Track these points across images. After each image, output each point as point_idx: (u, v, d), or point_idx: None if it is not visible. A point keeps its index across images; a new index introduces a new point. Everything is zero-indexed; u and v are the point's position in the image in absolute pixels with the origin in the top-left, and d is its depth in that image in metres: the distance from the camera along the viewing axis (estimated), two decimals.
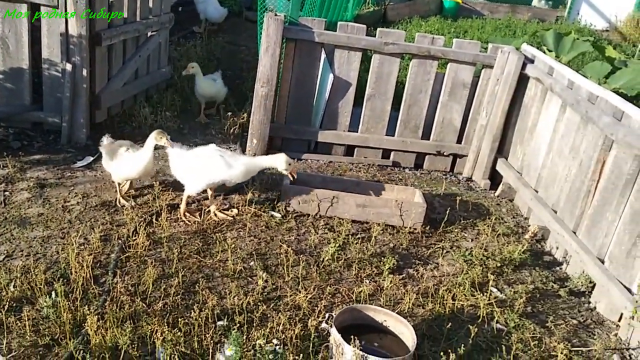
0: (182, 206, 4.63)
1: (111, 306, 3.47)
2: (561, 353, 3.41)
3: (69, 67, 5.34)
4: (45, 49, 5.41)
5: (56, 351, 3.20)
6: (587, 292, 4.43)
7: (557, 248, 4.90)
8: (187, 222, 4.57)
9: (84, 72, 5.41)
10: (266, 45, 5.48)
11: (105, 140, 4.82)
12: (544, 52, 6.18)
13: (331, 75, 5.72)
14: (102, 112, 5.96)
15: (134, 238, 4.20)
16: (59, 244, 4.09)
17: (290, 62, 5.76)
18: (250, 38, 9.94)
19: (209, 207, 4.73)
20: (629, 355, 3.86)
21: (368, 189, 5.15)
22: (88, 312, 3.34)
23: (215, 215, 4.65)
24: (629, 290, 4.02)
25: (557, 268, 4.76)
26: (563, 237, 4.74)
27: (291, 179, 4.77)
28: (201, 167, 4.53)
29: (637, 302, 3.85)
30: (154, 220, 4.50)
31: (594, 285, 4.37)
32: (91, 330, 3.18)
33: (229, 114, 6.55)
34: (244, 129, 6.21)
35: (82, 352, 3.09)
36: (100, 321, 3.31)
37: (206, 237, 4.40)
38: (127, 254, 4.05)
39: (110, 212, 4.57)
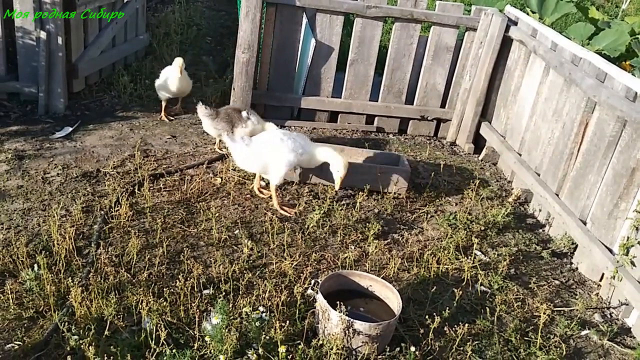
0: (275, 201, 4.45)
1: (95, 277, 3.45)
2: (544, 313, 3.46)
3: (43, 35, 5.19)
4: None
5: (41, 323, 3.18)
6: (569, 254, 4.49)
7: (540, 210, 4.94)
8: (288, 213, 4.43)
9: (59, 40, 5.27)
10: (246, 10, 5.36)
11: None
12: (528, 14, 6.12)
13: (313, 41, 5.63)
14: (79, 82, 5.84)
15: (116, 209, 4.16)
16: (40, 216, 4.04)
17: (271, 27, 5.66)
18: (230, 3, 9.75)
19: (192, 176, 4.68)
20: (610, 314, 3.94)
21: (352, 155, 5.13)
22: (72, 284, 3.30)
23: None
24: (610, 251, 4.08)
25: (540, 230, 4.80)
26: (546, 200, 4.78)
27: (336, 188, 4.51)
28: (278, 154, 4.31)
29: (618, 262, 3.91)
30: (136, 190, 4.45)
31: (576, 246, 4.43)
32: (76, 302, 3.16)
33: (210, 81, 6.45)
34: (226, 96, 6.12)
35: (67, 324, 3.08)
36: (85, 293, 3.29)
37: (190, 207, 4.37)
38: (110, 225, 4.01)
39: (91, 183, 4.51)
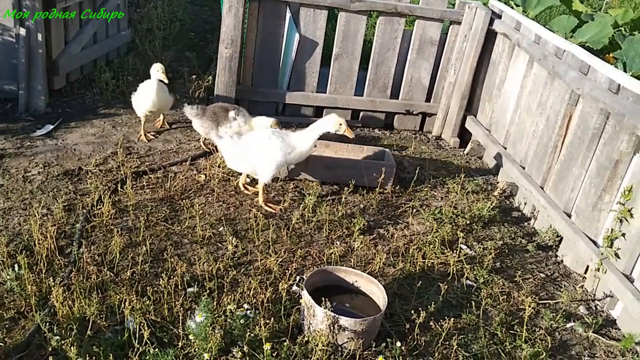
0: (261, 198, 4.41)
1: (77, 277, 3.40)
2: (529, 306, 3.46)
3: (22, 31, 5.11)
4: None
5: (22, 324, 3.13)
6: (554, 246, 4.50)
7: (525, 204, 4.95)
8: (273, 210, 4.40)
9: (39, 37, 5.19)
10: (229, 5, 5.31)
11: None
12: (512, 7, 6.12)
13: (297, 35, 5.59)
14: (60, 78, 5.76)
15: (99, 207, 4.10)
16: (20, 216, 3.97)
17: (254, 22, 5.61)
18: None
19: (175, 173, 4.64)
20: (595, 306, 3.96)
21: (337, 151, 5.11)
22: (54, 283, 3.25)
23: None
24: (595, 243, 4.09)
25: (525, 223, 4.82)
26: (531, 193, 4.78)
27: (351, 135, 4.39)
28: (267, 152, 4.27)
29: (602, 254, 3.92)
30: (119, 188, 4.39)
31: (561, 239, 4.44)
32: (57, 301, 3.12)
33: (194, 77, 6.39)
34: (210, 92, 6.07)
35: (49, 324, 3.03)
36: (67, 292, 3.25)
37: (173, 204, 4.32)
38: (92, 224, 3.96)
39: (73, 182, 4.45)
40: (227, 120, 4.84)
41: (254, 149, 4.30)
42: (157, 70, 4.94)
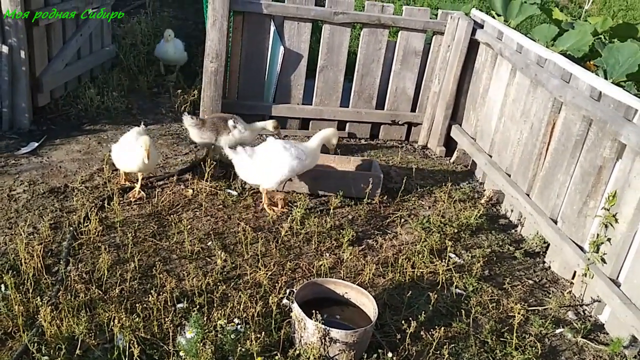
0: (265, 200, 4.55)
1: (65, 295, 3.37)
2: (518, 313, 3.48)
3: (5, 49, 5.08)
4: None
5: (10, 345, 3.10)
6: (541, 253, 4.54)
7: (512, 211, 4.99)
8: (275, 213, 4.52)
9: (22, 54, 5.16)
10: (213, 19, 5.32)
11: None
12: (493, 17, 6.20)
13: (282, 48, 5.62)
14: (44, 96, 5.72)
15: (85, 224, 4.07)
16: (6, 235, 3.93)
17: (239, 35, 5.63)
18: (197, 12, 9.67)
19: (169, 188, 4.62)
20: (583, 312, 3.99)
21: (324, 162, 5.12)
22: (41, 303, 3.23)
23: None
24: (581, 248, 4.13)
25: (513, 230, 4.85)
26: (517, 200, 4.82)
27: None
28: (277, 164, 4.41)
29: (589, 259, 3.96)
30: (106, 204, 4.37)
31: (548, 245, 4.48)
32: (45, 321, 3.09)
33: (179, 91, 6.38)
34: (195, 107, 6.06)
35: (37, 344, 2.99)
36: (55, 311, 3.22)
37: (161, 219, 4.30)
38: (79, 241, 3.93)
39: (59, 199, 4.41)
40: (226, 130, 4.89)
41: (269, 158, 4.40)
42: (145, 146, 4.28)
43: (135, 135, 4.48)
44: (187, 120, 4.87)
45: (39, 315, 3.15)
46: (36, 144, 5.14)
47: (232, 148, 4.52)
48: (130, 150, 4.38)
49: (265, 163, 4.41)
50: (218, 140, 4.87)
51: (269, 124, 5.06)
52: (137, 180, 4.58)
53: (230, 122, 4.89)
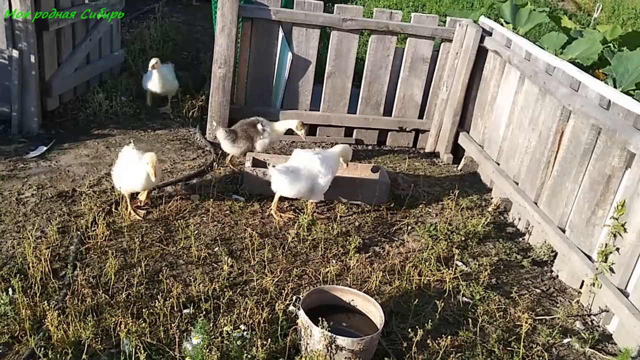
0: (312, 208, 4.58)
1: (72, 300, 3.37)
2: (526, 322, 3.46)
3: (15, 53, 5.12)
4: None
5: (17, 349, 3.10)
6: (549, 261, 4.51)
7: (520, 219, 4.97)
8: (283, 219, 4.56)
9: (32, 59, 5.20)
10: (222, 25, 5.34)
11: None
12: (502, 25, 6.19)
13: (290, 54, 5.63)
14: (53, 100, 5.76)
15: (93, 228, 4.09)
16: (14, 239, 3.95)
17: (247, 41, 5.65)
18: (206, 18, 9.71)
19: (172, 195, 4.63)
20: (591, 322, 3.96)
21: None
22: (48, 307, 3.23)
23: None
24: (590, 258, 4.10)
25: (520, 239, 4.83)
26: (525, 208, 4.80)
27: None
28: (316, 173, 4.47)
29: (597, 269, 3.93)
30: (113, 209, 4.38)
31: (556, 254, 4.45)
32: (52, 325, 3.09)
33: (187, 96, 6.40)
34: (203, 112, 6.08)
35: (43, 348, 3.00)
36: (62, 316, 3.22)
37: (168, 225, 4.31)
38: (86, 246, 3.94)
39: (67, 203, 4.43)
40: (258, 134, 5.00)
41: (308, 174, 4.42)
42: (151, 163, 4.10)
43: (136, 154, 4.28)
44: (221, 134, 4.97)
45: (45, 320, 3.16)
46: (45, 148, 5.17)
47: (275, 166, 4.44)
48: (133, 170, 4.19)
49: (309, 179, 4.43)
50: (255, 147, 5.01)
51: (293, 124, 5.12)
52: (141, 195, 4.52)
53: (259, 126, 5.01)
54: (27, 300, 3.30)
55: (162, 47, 7.75)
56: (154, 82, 6.03)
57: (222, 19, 5.32)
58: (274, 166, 4.31)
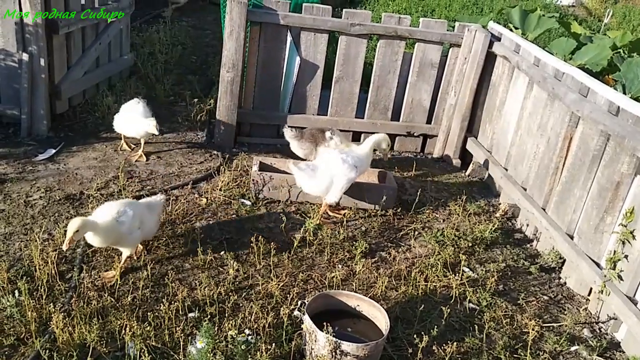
0: (328, 212, 4.67)
1: (78, 302, 3.39)
2: (533, 329, 3.43)
3: (25, 57, 5.16)
4: (0, 39, 5.21)
5: (22, 351, 3.11)
6: (557, 268, 4.48)
7: (527, 225, 4.94)
8: (338, 215, 4.65)
9: (42, 62, 5.23)
10: (230, 29, 5.36)
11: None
12: (511, 30, 6.17)
13: (298, 58, 5.63)
14: (63, 103, 5.79)
15: None
16: (21, 241, 3.97)
17: (255, 45, 5.66)
18: (215, 22, 9.76)
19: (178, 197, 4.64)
20: (599, 329, 3.92)
21: None
22: (54, 309, 3.24)
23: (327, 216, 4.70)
24: (598, 265, 4.07)
25: (528, 245, 4.80)
26: (533, 214, 4.77)
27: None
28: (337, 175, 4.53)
29: (605, 276, 3.90)
30: None
31: (564, 261, 4.42)
32: (57, 328, 3.10)
33: (195, 100, 6.42)
34: (211, 116, 6.10)
35: (49, 350, 3.02)
36: (67, 318, 3.23)
37: (175, 228, 4.31)
38: (93, 248, 3.95)
39: (75, 206, 4.45)
40: (324, 140, 5.08)
41: (330, 171, 4.51)
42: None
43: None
44: (288, 133, 5.13)
45: (51, 322, 3.16)
46: (53, 151, 5.20)
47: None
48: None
49: (327, 177, 4.51)
50: (317, 151, 5.07)
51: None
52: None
53: (328, 134, 5.09)
54: (33, 302, 3.32)
55: (171, 50, 7.79)
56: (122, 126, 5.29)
57: (230, 23, 5.33)
58: (297, 167, 4.46)
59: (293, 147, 5.21)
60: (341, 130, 6.03)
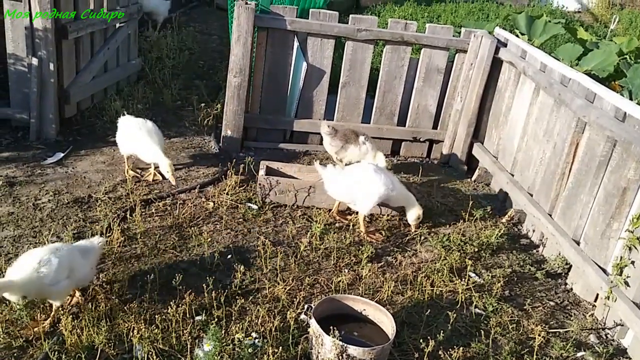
0: (362, 228, 4.60)
1: (86, 305, 3.41)
2: (539, 335, 3.43)
3: (35, 61, 5.21)
4: (10, 43, 5.27)
5: (31, 352, 3.14)
6: (563, 274, 4.48)
7: (534, 231, 4.94)
8: (374, 240, 4.56)
9: (51, 67, 5.28)
10: (237, 35, 5.40)
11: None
12: (517, 36, 6.19)
13: (305, 64, 5.66)
14: (71, 107, 5.84)
15: (108, 234, 4.13)
16: (30, 243, 4.00)
17: (262, 51, 5.69)
18: (222, 27, 9.81)
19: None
20: (605, 335, 3.92)
21: None
22: (62, 312, 3.27)
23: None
24: (604, 271, 4.07)
25: (534, 251, 4.80)
26: (539, 220, 4.77)
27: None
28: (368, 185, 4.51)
29: (612, 282, 3.89)
30: (128, 215, 4.42)
31: (570, 266, 4.42)
32: (66, 330, 3.13)
33: (202, 105, 6.46)
34: (218, 120, 6.13)
35: (57, 352, 3.04)
36: (75, 321, 3.26)
37: (182, 232, 4.34)
38: (101, 251, 3.97)
39: (83, 209, 4.48)
40: (356, 143, 5.19)
41: (358, 180, 4.52)
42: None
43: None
44: (324, 128, 5.27)
45: (60, 324, 3.19)
46: (62, 155, 5.23)
47: (322, 165, 4.73)
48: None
49: (358, 187, 4.51)
50: (345, 148, 5.20)
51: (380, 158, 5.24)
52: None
53: (362, 138, 5.22)
54: (41, 305, 3.34)
55: (178, 55, 7.84)
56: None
57: (238, 28, 5.37)
58: (323, 165, 4.60)
59: (325, 143, 5.34)
60: None
